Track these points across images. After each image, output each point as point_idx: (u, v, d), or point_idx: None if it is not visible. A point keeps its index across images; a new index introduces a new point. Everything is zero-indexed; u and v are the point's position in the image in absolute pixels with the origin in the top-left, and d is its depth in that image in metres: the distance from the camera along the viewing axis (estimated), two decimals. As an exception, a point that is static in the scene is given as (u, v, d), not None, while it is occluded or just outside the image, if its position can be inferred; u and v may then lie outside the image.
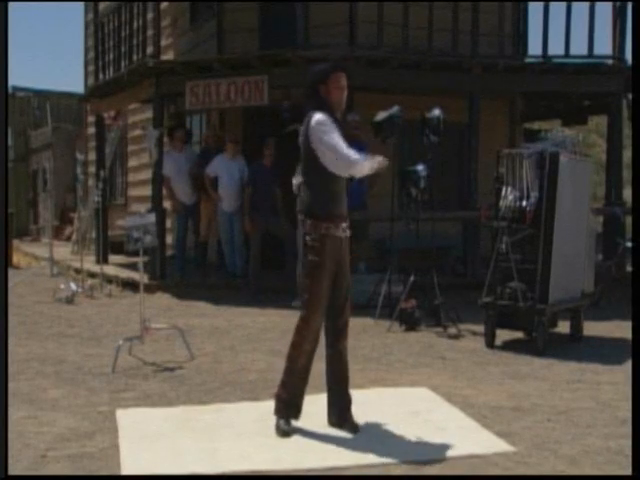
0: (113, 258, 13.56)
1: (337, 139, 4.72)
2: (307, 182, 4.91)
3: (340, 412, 4.93)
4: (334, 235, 4.79)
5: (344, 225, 4.87)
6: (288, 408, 4.86)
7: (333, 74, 4.82)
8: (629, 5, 11.38)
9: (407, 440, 4.67)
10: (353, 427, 4.87)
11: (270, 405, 4.91)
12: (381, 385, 5.98)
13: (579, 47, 11.64)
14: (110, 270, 12.31)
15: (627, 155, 12.46)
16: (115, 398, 5.61)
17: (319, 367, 4.95)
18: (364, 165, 4.70)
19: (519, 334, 7.73)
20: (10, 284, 10.32)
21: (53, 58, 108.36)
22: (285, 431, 4.77)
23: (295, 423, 4.87)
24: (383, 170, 4.76)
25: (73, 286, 10.65)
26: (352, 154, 4.71)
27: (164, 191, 11.48)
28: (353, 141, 9.98)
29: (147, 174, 12.80)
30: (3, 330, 4.77)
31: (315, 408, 4.98)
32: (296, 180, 8.64)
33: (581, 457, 4.43)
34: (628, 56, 11.39)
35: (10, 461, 4.19)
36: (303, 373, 4.87)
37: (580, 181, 7.82)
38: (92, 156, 17.22)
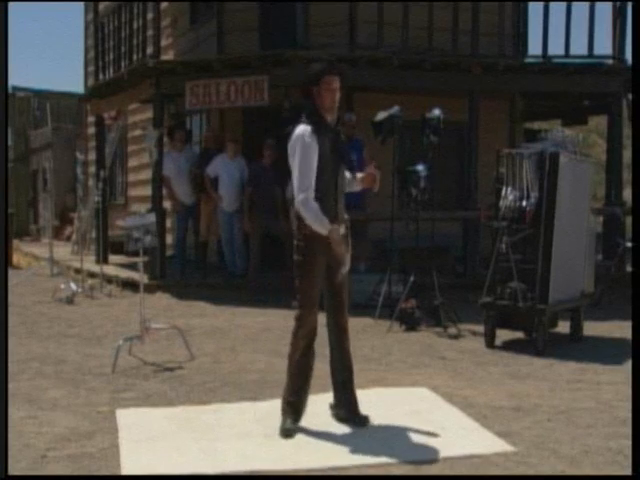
0: (113, 258, 13.54)
1: (305, 167, 4.66)
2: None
3: (349, 407, 4.96)
4: (319, 236, 4.69)
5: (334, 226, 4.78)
6: (293, 409, 4.84)
7: (325, 77, 4.73)
8: (629, 5, 11.38)
9: (407, 440, 4.67)
10: (363, 420, 4.93)
11: (270, 405, 4.92)
12: (381, 385, 5.98)
13: (579, 47, 11.68)
14: (110, 270, 12.31)
15: (627, 155, 12.43)
16: (115, 398, 5.61)
17: (321, 367, 4.94)
18: (307, 213, 4.65)
19: (519, 334, 7.73)
20: (10, 284, 10.30)
21: (53, 58, 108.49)
22: (287, 431, 4.74)
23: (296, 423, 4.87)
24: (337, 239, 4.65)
25: (73, 286, 10.65)
26: (301, 195, 4.64)
27: (164, 191, 11.49)
28: (349, 140, 10.18)
29: (147, 174, 12.79)
30: (3, 330, 4.77)
31: (316, 408, 4.98)
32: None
33: (581, 457, 4.42)
34: (628, 56, 11.41)
35: (10, 461, 4.18)
36: (304, 372, 4.84)
37: (580, 181, 7.82)
38: (92, 156, 17.21)
